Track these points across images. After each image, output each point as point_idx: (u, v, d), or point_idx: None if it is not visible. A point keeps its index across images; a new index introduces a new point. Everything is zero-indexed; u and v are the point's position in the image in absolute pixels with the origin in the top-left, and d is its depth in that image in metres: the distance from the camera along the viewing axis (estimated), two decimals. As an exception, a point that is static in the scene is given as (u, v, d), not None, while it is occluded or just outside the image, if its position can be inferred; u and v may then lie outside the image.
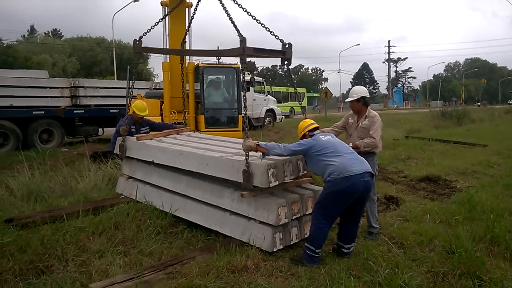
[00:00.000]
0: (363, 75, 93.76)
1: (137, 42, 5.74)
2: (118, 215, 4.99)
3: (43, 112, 12.34)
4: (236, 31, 4.47)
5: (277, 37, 4.70)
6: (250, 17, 4.94)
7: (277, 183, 4.20)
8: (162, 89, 14.40)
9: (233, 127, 10.34)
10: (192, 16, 5.99)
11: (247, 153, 4.19)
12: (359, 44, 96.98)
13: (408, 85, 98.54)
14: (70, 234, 4.45)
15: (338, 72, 62.91)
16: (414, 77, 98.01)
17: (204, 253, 4.07)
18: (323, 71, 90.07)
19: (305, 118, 4.66)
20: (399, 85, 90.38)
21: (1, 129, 11.75)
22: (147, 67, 57.14)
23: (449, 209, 5.69)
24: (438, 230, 4.92)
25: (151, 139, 5.67)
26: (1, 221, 4.84)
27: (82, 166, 8.61)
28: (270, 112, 20.09)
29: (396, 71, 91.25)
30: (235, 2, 5.05)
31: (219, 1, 5.03)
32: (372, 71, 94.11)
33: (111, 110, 13.61)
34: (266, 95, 20.14)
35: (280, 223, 4.15)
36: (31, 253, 4.00)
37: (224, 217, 4.61)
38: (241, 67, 4.61)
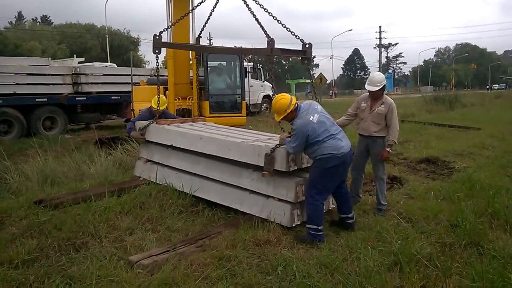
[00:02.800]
0: (354, 61, 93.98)
1: (157, 38, 5.73)
2: (141, 195, 5.25)
3: (46, 99, 12.46)
4: (263, 32, 4.72)
5: (297, 37, 4.89)
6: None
7: (296, 168, 4.50)
8: (163, 75, 14.58)
9: (237, 112, 10.57)
10: (211, 13, 5.94)
11: (279, 143, 4.46)
12: (351, 30, 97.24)
13: (399, 70, 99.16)
14: (99, 214, 4.70)
15: (330, 58, 63.00)
16: (405, 63, 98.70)
17: (229, 228, 4.36)
18: (314, 57, 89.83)
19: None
20: (390, 71, 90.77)
21: (5, 116, 11.88)
22: (138, 53, 56.80)
23: (451, 187, 6.02)
24: (441, 206, 5.26)
25: (169, 124, 5.91)
26: (30, 202, 5.07)
27: (93, 151, 8.84)
28: (267, 98, 20.30)
29: (387, 57, 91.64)
30: (257, 2, 5.14)
31: (243, 2, 5.20)
32: (363, 57, 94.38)
33: (112, 97, 13.77)
34: (263, 81, 20.34)
35: (298, 200, 4.46)
36: (66, 230, 4.24)
37: (243, 196, 4.89)
38: (270, 67, 4.87)
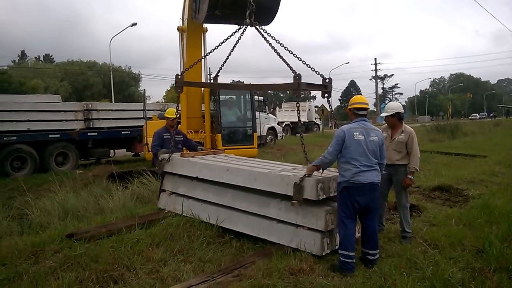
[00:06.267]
0: (351, 92, 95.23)
1: (179, 77, 6.26)
2: (169, 227, 5.34)
3: (58, 135, 12.69)
4: (289, 69, 4.97)
5: (317, 73, 5.13)
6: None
7: (324, 196, 4.60)
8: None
9: (249, 144, 10.76)
10: (233, 48, 6.09)
11: (307, 174, 4.58)
12: (348, 63, 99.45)
13: (396, 101, 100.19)
14: (131, 246, 4.78)
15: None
16: (401, 93, 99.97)
17: (261, 258, 4.43)
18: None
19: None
20: (386, 101, 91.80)
21: (19, 152, 12.07)
22: (139, 89, 57.73)
23: (470, 214, 6.12)
24: (464, 232, 5.34)
25: (193, 157, 6.06)
26: (61, 236, 5.15)
27: (107, 186, 8.96)
28: (272, 130, 20.64)
29: (383, 88, 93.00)
30: (278, 41, 5.43)
31: (266, 41, 5.48)
32: (359, 88, 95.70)
33: (122, 132, 13.99)
34: (267, 114, 20.69)
35: (328, 229, 4.55)
36: (102, 263, 4.32)
37: (271, 226, 4.98)
38: (297, 101, 5.15)
